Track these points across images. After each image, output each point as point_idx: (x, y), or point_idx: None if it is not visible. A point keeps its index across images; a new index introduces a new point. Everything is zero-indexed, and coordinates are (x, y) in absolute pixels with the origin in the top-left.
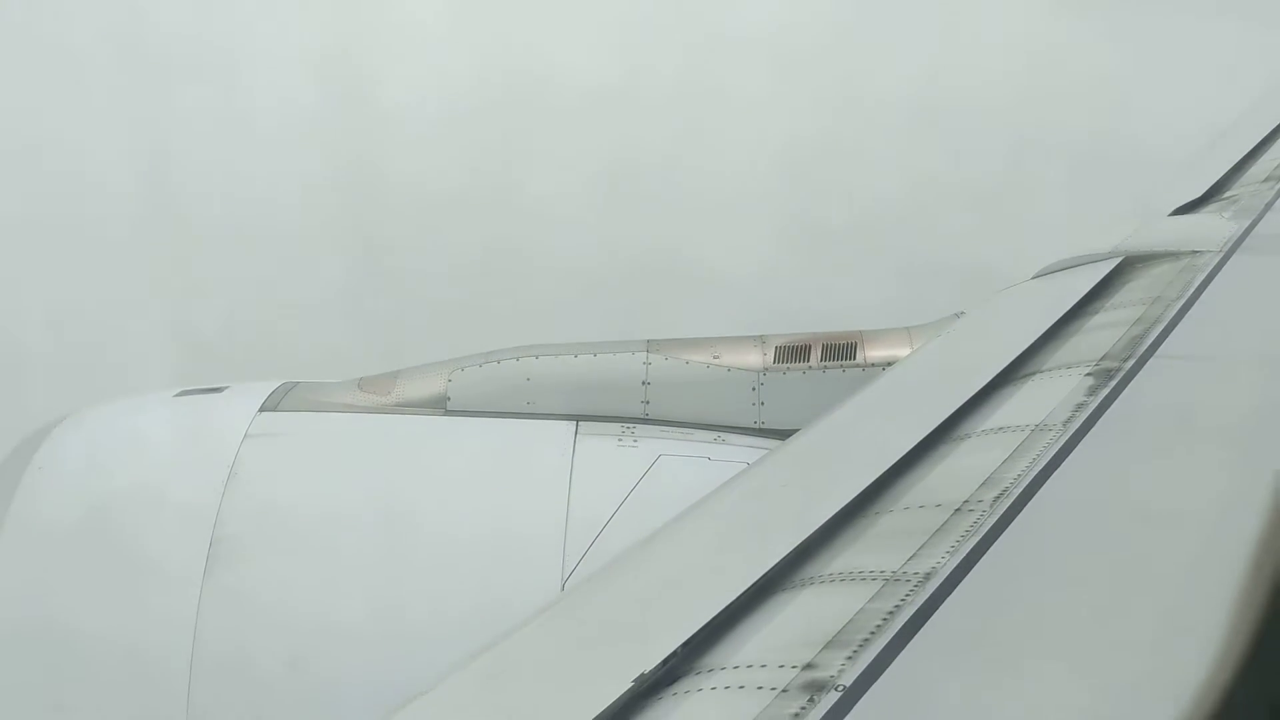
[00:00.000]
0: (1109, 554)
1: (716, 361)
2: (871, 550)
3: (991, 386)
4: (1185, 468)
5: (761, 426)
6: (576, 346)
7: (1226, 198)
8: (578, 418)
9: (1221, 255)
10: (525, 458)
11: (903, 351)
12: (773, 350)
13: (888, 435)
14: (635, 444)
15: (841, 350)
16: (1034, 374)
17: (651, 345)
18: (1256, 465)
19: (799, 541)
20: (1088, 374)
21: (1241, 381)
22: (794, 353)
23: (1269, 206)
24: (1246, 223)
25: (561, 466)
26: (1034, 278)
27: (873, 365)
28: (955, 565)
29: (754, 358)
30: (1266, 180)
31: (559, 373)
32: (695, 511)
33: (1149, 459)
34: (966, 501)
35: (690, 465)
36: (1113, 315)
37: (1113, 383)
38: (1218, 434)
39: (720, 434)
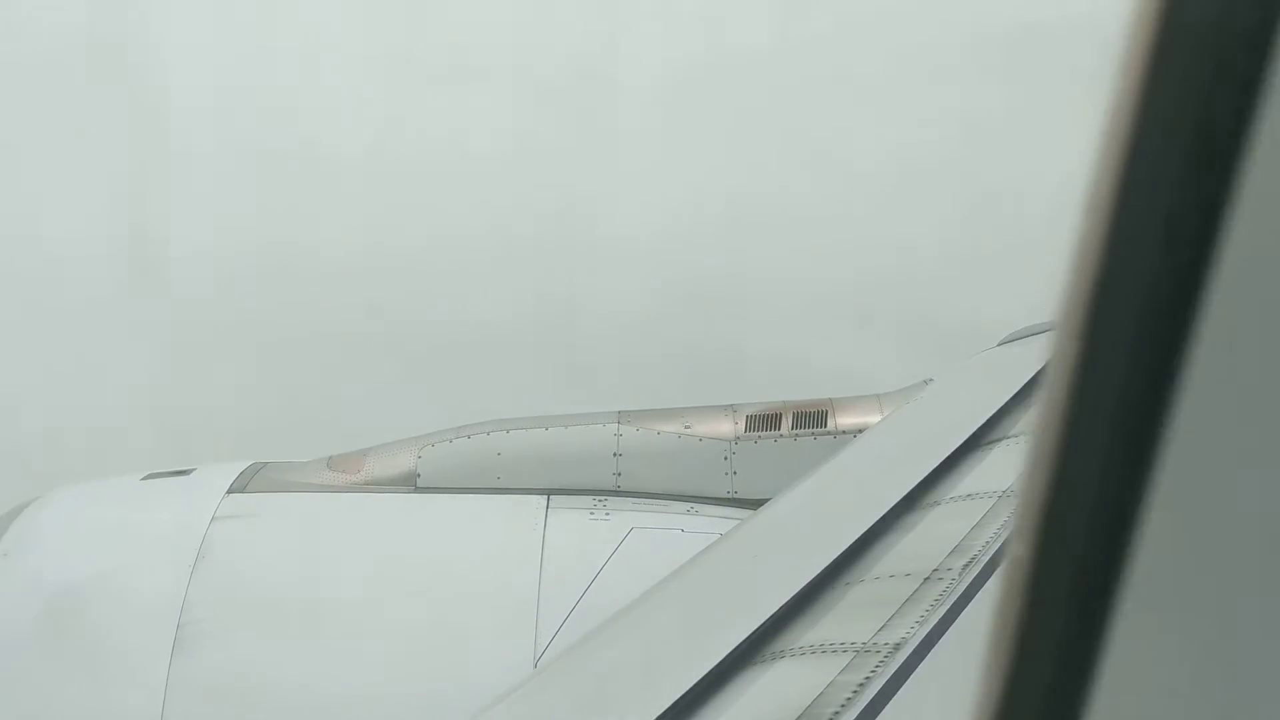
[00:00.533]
0: None
1: (688, 431)
2: (842, 621)
3: (960, 453)
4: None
5: (735, 496)
6: (547, 419)
7: None
8: (549, 492)
9: None
10: (496, 534)
11: (873, 419)
12: (744, 419)
13: (857, 504)
14: (608, 516)
15: (812, 418)
16: (1001, 440)
17: (622, 416)
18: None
19: (769, 615)
20: None
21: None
22: (765, 421)
23: None
24: None
25: (533, 542)
26: (1000, 344)
27: (844, 433)
28: (925, 635)
29: (725, 427)
30: None
31: (529, 447)
32: (667, 586)
33: None
34: (936, 570)
35: (663, 537)
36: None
37: None
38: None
39: (693, 504)
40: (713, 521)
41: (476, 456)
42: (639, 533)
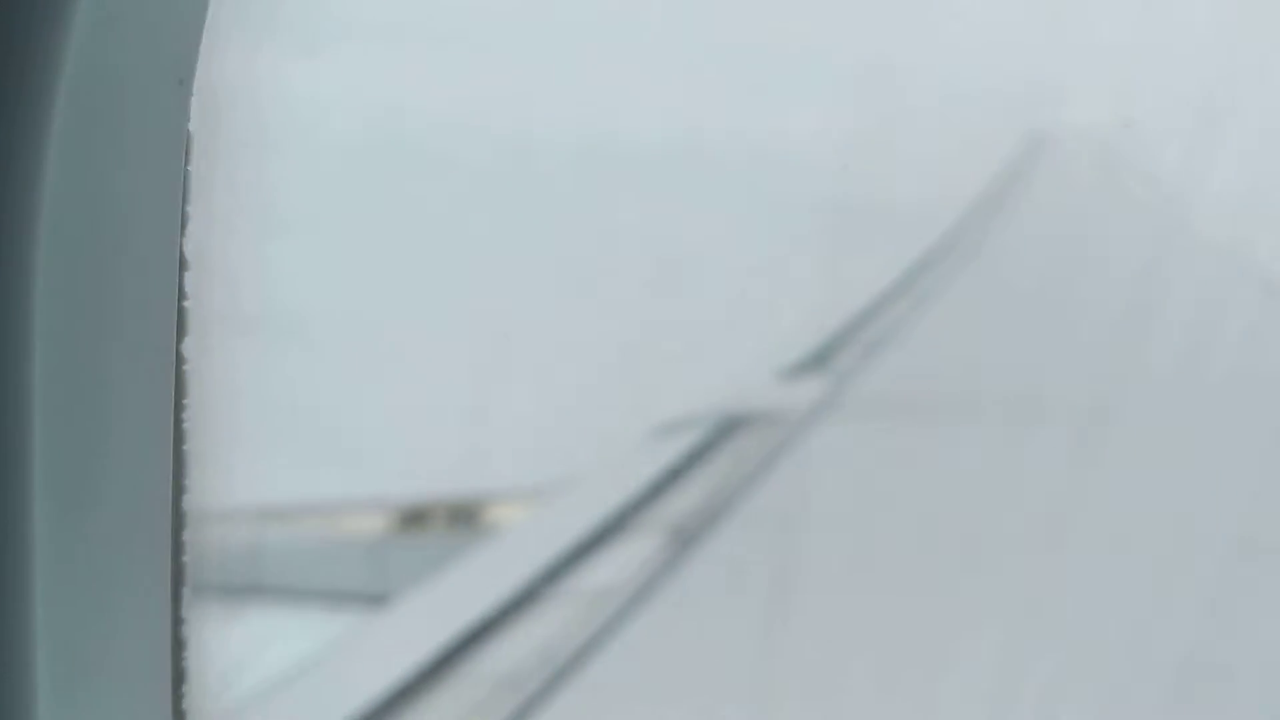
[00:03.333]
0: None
1: (335, 528)
2: None
3: (582, 550)
4: (760, 624)
5: (381, 593)
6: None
7: (832, 359)
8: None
9: (807, 420)
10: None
11: (520, 515)
12: (393, 516)
13: (473, 606)
14: (242, 619)
15: (462, 514)
16: (626, 535)
17: (265, 511)
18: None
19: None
20: (671, 537)
21: (815, 541)
22: (414, 518)
23: (854, 371)
24: (835, 387)
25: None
26: (648, 436)
27: (493, 528)
28: None
29: (373, 523)
30: (875, 341)
31: None
32: (279, 691)
33: (722, 618)
34: (520, 673)
35: (302, 640)
36: (705, 478)
37: (692, 543)
38: (793, 588)
39: (337, 603)
40: (356, 621)
41: None
42: (276, 636)
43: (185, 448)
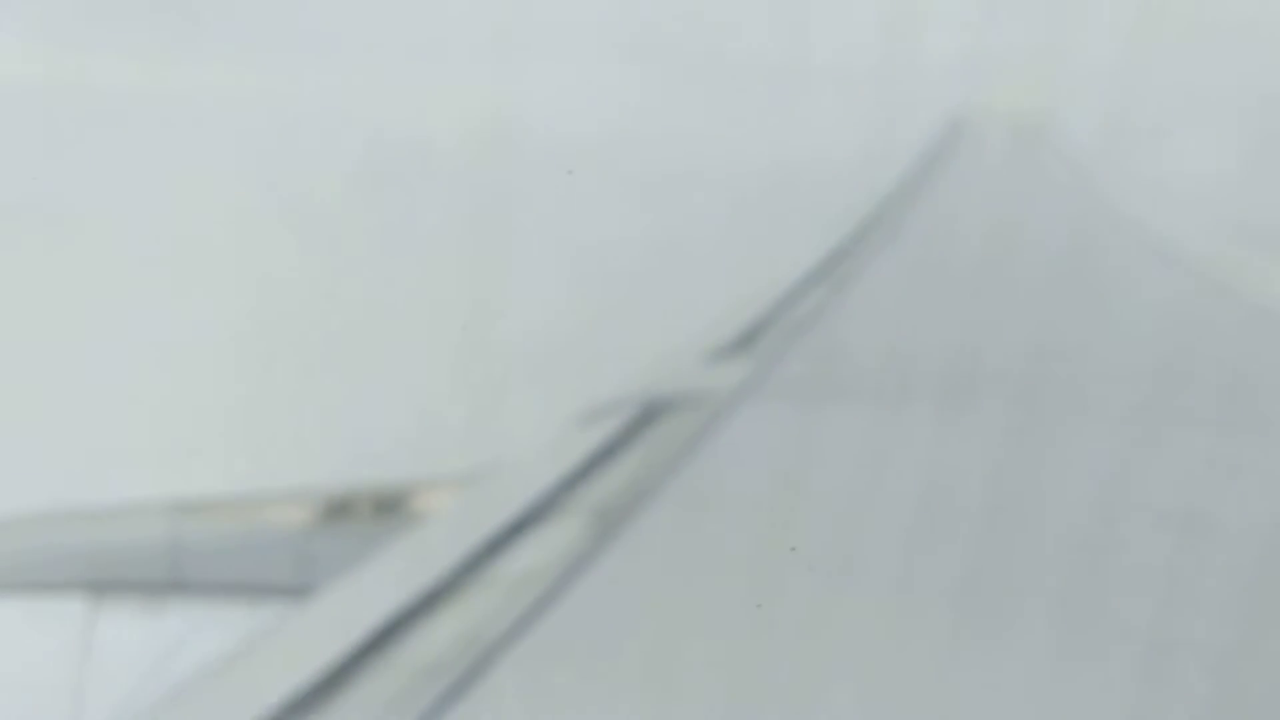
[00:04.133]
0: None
1: (257, 520)
2: (346, 715)
3: (505, 537)
4: (683, 609)
5: (306, 586)
6: (97, 510)
7: (759, 340)
8: (98, 587)
9: (732, 403)
10: (32, 640)
11: (447, 503)
12: (320, 506)
13: (397, 594)
14: (162, 615)
15: (387, 503)
16: (549, 521)
17: (183, 505)
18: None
19: (275, 715)
20: (595, 521)
21: (737, 525)
22: (339, 508)
23: (784, 353)
24: (761, 369)
25: (75, 646)
26: (571, 422)
27: (420, 517)
28: None
29: (297, 514)
30: (797, 323)
31: (75, 540)
32: (199, 686)
33: (650, 601)
34: (444, 660)
35: (224, 635)
36: (628, 462)
37: (615, 530)
38: (716, 572)
39: (261, 597)
40: (277, 614)
41: (14, 550)
42: (197, 631)
43: None
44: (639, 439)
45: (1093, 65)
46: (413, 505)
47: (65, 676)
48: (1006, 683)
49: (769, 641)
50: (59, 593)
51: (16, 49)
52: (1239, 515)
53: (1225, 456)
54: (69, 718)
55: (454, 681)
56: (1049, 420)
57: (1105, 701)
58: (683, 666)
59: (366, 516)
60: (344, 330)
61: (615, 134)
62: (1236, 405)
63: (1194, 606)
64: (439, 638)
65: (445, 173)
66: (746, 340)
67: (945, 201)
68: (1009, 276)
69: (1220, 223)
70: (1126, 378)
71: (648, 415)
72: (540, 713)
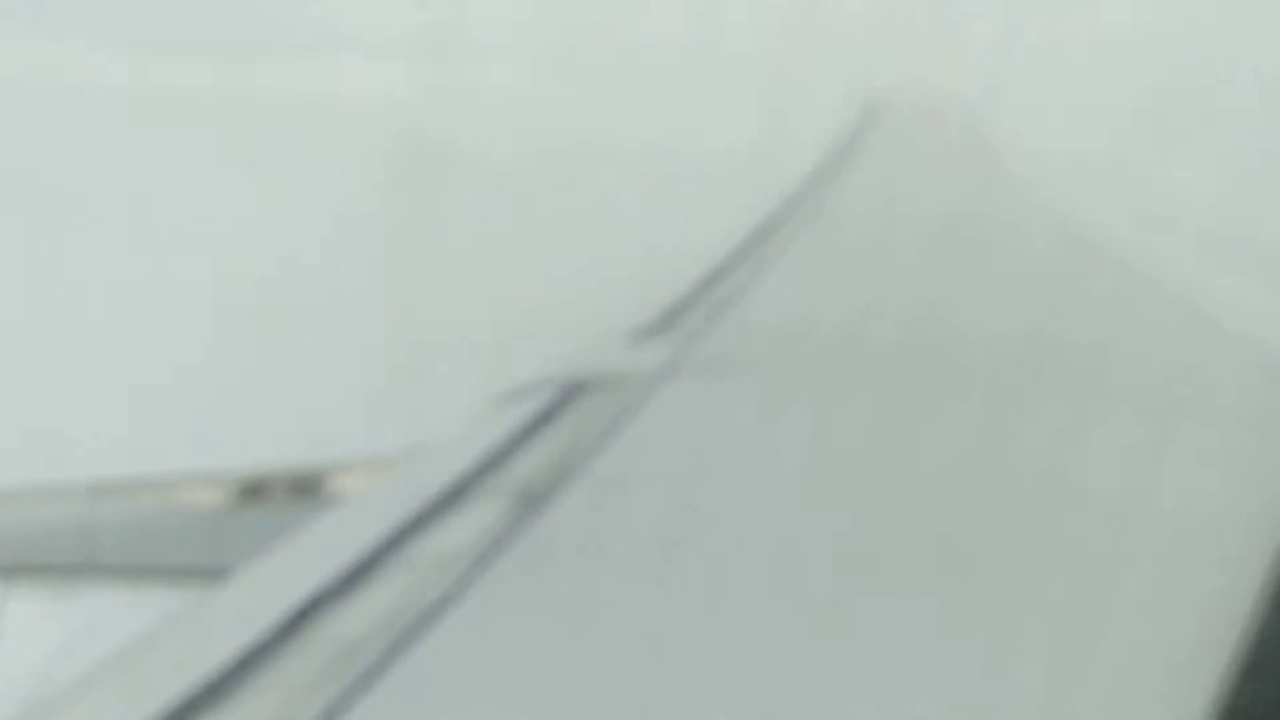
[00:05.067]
0: (502, 686)
1: (172, 502)
2: (262, 696)
3: (425, 517)
4: (601, 589)
5: (221, 568)
6: (10, 491)
7: (680, 321)
8: (8, 570)
9: (652, 383)
10: None
11: (363, 484)
12: (233, 488)
13: (314, 574)
14: (75, 597)
15: (304, 484)
16: (470, 502)
17: (97, 487)
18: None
19: (190, 696)
20: (515, 501)
21: (655, 506)
22: (254, 489)
23: (704, 333)
24: (681, 350)
25: None
26: (491, 403)
27: (337, 498)
28: (338, 710)
29: (212, 496)
30: (718, 304)
31: None
32: (113, 668)
33: (569, 582)
34: (361, 641)
35: (137, 618)
36: (549, 443)
37: (535, 510)
38: (634, 552)
39: (176, 579)
40: (189, 597)
41: None
42: (109, 614)
43: None
44: (559, 420)
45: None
46: (330, 487)
47: None
48: (891, 657)
49: (685, 623)
50: None
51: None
52: (1101, 483)
53: (1090, 429)
54: None
55: (372, 663)
56: (945, 396)
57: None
58: (601, 647)
59: (283, 498)
60: None
61: None
62: (1109, 379)
63: (1052, 578)
64: (356, 619)
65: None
66: (668, 321)
67: (861, 183)
68: (921, 256)
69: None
70: (1017, 355)
71: (568, 396)
72: (459, 694)
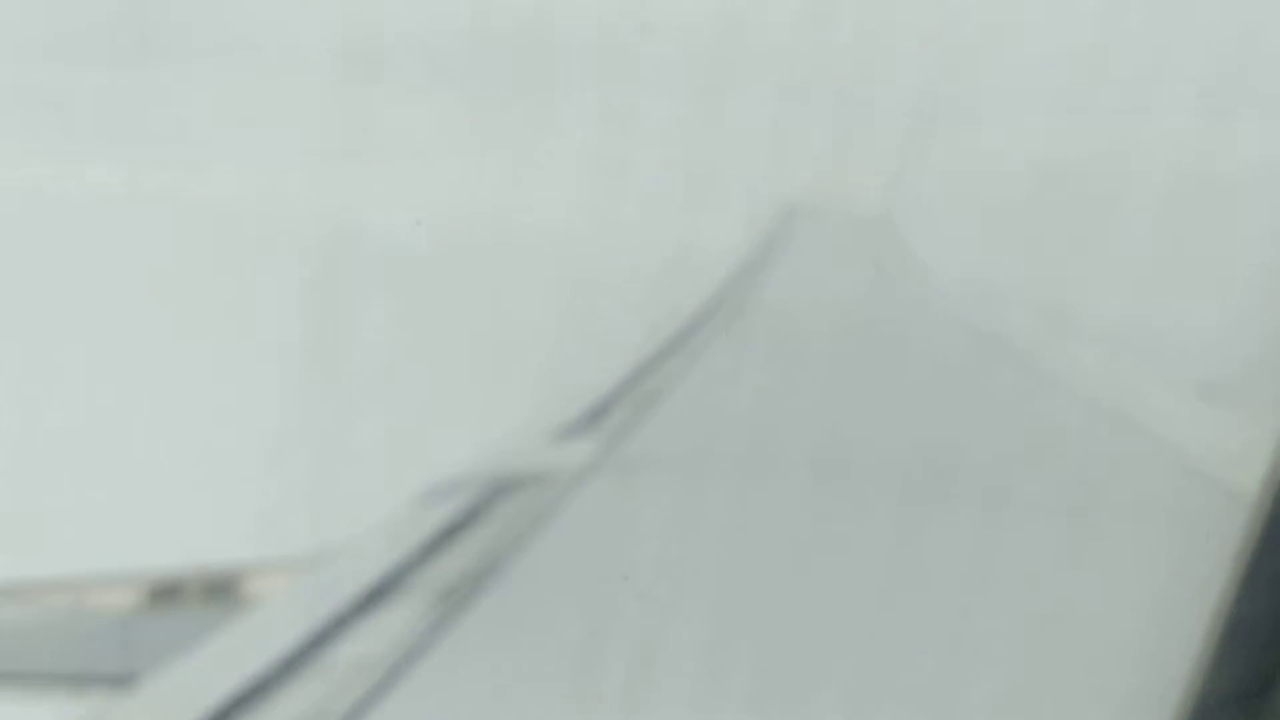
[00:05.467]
0: None
1: (78, 605)
2: None
3: (343, 620)
4: (521, 692)
5: (131, 675)
6: None
7: (605, 418)
8: None
9: (575, 482)
10: None
11: (280, 586)
12: (146, 589)
13: (228, 681)
14: None
15: (219, 586)
16: (390, 603)
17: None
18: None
19: None
20: (435, 601)
21: (576, 607)
22: (167, 591)
23: (627, 431)
24: (605, 447)
25: None
26: (414, 503)
27: (253, 601)
28: None
29: (123, 598)
30: (641, 401)
31: None
32: None
33: (488, 685)
34: None
35: None
36: (470, 542)
37: (455, 612)
38: (554, 654)
39: (82, 686)
40: (99, 706)
41: None
42: None
43: None
44: (482, 518)
45: None
46: (245, 589)
47: None
48: None
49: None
50: None
51: None
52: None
53: (1002, 534)
54: None
55: None
56: (861, 499)
57: None
58: None
59: (195, 601)
60: None
61: None
62: (1021, 485)
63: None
64: None
65: None
66: (592, 418)
67: (781, 285)
68: (840, 360)
69: None
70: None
71: (492, 494)
72: None
